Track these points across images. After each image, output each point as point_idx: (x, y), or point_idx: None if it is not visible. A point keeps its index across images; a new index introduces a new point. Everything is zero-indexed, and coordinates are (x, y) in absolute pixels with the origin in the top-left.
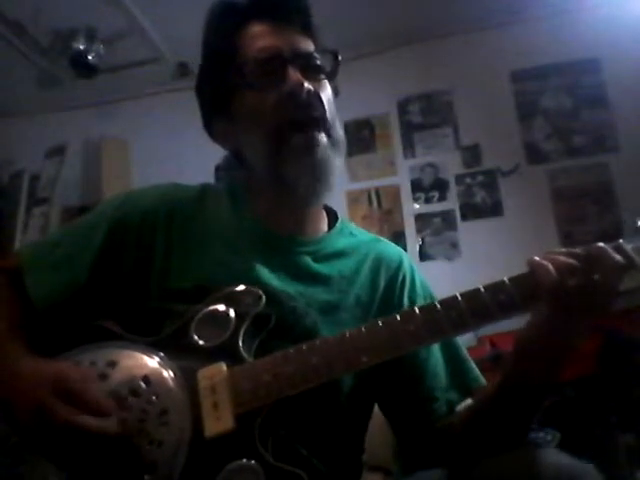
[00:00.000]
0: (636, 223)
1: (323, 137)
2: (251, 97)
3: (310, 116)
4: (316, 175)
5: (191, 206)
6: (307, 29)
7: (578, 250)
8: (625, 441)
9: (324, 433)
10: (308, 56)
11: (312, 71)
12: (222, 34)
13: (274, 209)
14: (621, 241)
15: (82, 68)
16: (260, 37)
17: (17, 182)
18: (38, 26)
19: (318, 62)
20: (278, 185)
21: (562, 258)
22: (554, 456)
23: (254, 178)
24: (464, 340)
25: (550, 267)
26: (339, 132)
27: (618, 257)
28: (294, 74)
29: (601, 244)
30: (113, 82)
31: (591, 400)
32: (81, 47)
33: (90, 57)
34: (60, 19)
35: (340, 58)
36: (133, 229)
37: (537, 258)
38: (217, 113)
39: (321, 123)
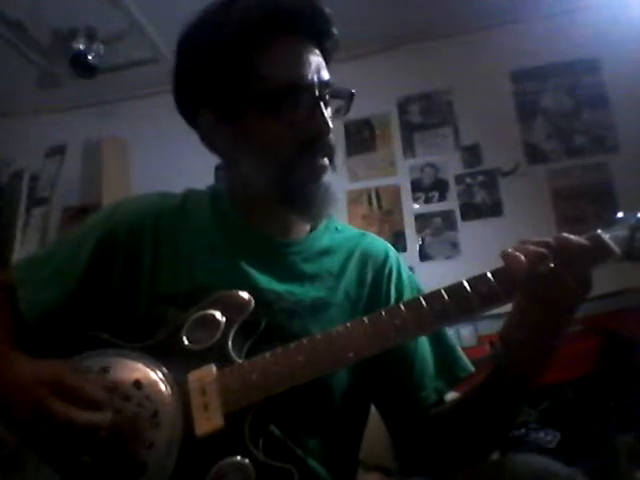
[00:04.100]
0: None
1: (327, 162)
2: (271, 123)
3: (328, 154)
4: (327, 198)
5: (176, 214)
6: (327, 51)
7: (549, 239)
8: (625, 441)
9: (319, 432)
10: (330, 88)
11: (328, 103)
12: (240, 41)
13: (263, 214)
14: (599, 231)
15: (82, 68)
16: (289, 59)
17: (17, 182)
18: (38, 26)
19: (333, 92)
20: (285, 204)
21: (532, 247)
22: (534, 461)
23: (246, 185)
24: (464, 340)
25: (521, 256)
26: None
27: (585, 242)
28: (323, 114)
29: (565, 234)
30: (113, 82)
31: (591, 400)
32: (81, 47)
33: (90, 57)
34: (60, 19)
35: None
36: (121, 240)
37: (509, 249)
38: (213, 113)
39: (330, 155)
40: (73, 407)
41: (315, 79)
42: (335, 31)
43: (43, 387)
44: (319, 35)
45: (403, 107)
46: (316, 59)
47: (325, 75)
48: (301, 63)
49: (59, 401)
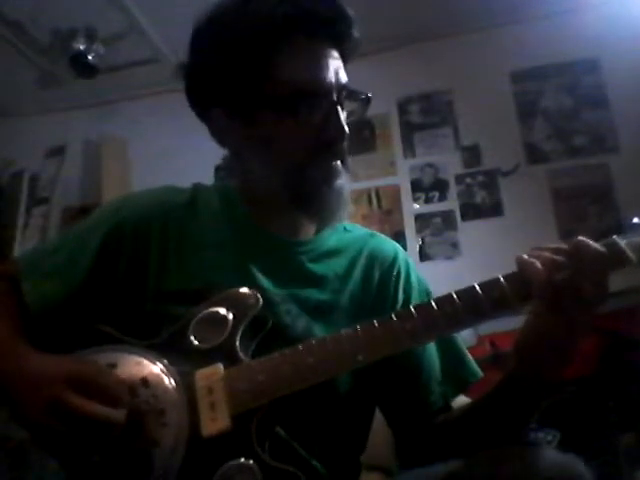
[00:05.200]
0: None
1: (340, 165)
2: (286, 125)
3: (341, 158)
4: (339, 202)
5: (185, 210)
6: (346, 52)
7: (565, 245)
8: (625, 441)
9: (324, 434)
10: (348, 92)
11: (344, 106)
12: (259, 41)
13: (273, 213)
14: (615, 237)
15: (82, 68)
16: (308, 62)
17: (17, 182)
18: (38, 26)
19: (350, 95)
20: (297, 206)
21: (549, 254)
22: (551, 455)
23: (257, 184)
24: (464, 340)
25: (537, 264)
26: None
27: (604, 250)
28: (340, 119)
29: (582, 238)
30: (113, 82)
31: (591, 400)
32: (81, 47)
33: (90, 57)
34: (60, 19)
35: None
36: (128, 235)
37: (525, 256)
38: (226, 111)
39: (343, 159)
40: (92, 402)
41: (333, 83)
42: (356, 34)
43: (60, 382)
44: (339, 37)
45: (403, 107)
46: (335, 62)
47: (343, 78)
48: (320, 66)
49: (77, 395)
